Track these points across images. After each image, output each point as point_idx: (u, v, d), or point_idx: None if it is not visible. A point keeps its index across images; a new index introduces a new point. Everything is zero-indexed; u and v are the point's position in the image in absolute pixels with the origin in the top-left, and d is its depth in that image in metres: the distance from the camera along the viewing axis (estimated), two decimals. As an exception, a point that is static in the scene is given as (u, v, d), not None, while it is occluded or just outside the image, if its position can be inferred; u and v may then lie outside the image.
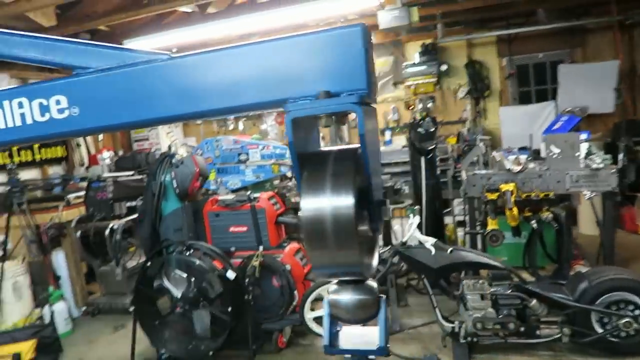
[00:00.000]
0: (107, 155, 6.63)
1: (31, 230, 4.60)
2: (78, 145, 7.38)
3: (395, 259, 3.86)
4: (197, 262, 3.42)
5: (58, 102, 0.84)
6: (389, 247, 3.91)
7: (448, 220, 5.20)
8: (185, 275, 3.52)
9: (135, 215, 4.53)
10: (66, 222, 5.01)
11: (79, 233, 4.98)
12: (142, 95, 0.81)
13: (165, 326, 3.63)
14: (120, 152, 7.33)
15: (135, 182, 5.26)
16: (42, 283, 4.71)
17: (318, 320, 3.75)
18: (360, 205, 0.85)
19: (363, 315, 0.96)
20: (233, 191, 4.55)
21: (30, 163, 6.53)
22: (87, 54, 0.86)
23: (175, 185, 3.95)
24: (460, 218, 4.97)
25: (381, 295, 0.99)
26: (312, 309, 3.71)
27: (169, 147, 7.96)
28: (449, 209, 5.21)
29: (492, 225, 4.05)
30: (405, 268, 4.33)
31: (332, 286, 0.97)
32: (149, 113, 0.83)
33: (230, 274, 3.42)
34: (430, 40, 7.30)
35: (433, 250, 3.39)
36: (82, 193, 5.24)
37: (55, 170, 6.99)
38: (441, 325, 3.45)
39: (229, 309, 3.37)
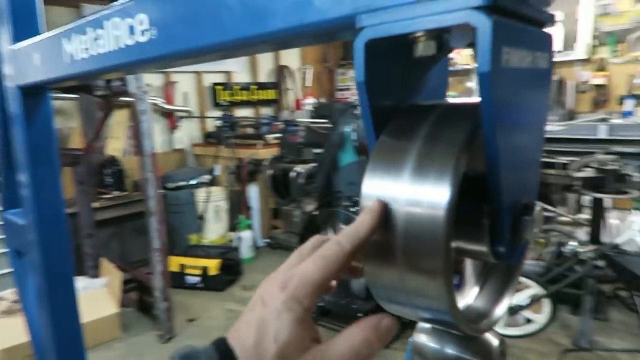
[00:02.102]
0: (309, 102, 6.99)
1: (233, 162, 5.14)
2: (288, 89, 7.93)
3: (601, 263, 3.07)
4: (360, 220, 3.27)
5: (141, 23, 0.70)
6: (596, 246, 3.13)
7: (695, 225, 3.89)
8: (348, 230, 3.44)
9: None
10: (263, 159, 5.47)
11: (270, 171, 5.38)
12: (208, 11, 0.61)
13: (325, 276, 3.66)
14: (323, 100, 7.62)
15: (326, 129, 5.37)
16: (237, 211, 5.29)
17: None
18: (473, 205, 0.48)
19: None
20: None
21: (247, 102, 7.29)
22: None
23: (354, 137, 3.84)
24: None
25: None
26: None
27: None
28: (699, 211, 3.88)
29: None
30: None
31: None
32: (216, 34, 0.62)
33: (392, 240, 3.19)
34: None
35: (658, 265, 2.53)
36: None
37: (266, 111, 7.69)
38: (651, 362, 2.62)
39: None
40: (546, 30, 0.47)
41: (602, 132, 5.66)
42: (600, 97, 6.69)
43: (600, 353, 3.08)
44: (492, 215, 0.46)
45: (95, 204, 4.36)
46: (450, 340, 0.58)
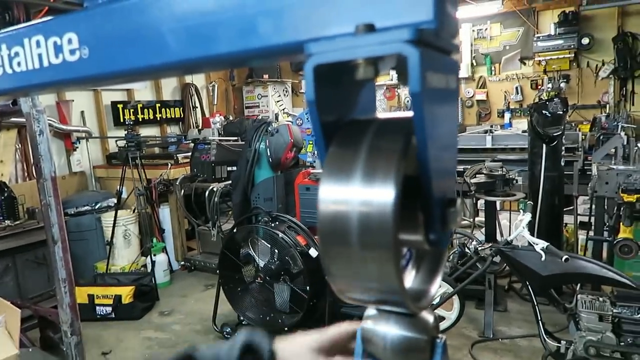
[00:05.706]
0: (218, 120, 6.90)
1: (142, 184, 4.91)
2: (194, 107, 7.77)
3: (497, 259, 3.42)
4: (280, 235, 3.33)
5: (70, 41, 0.69)
6: (490, 244, 3.47)
7: (568, 219, 4.49)
8: (269, 246, 3.47)
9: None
10: (173, 179, 5.29)
11: (182, 191, 5.23)
12: (148, 33, 0.63)
13: (247, 294, 3.64)
14: (231, 118, 7.57)
15: (237, 147, 5.35)
16: (149, 234, 5.06)
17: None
18: (410, 203, 0.56)
19: None
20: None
21: (152, 121, 7.00)
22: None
23: (268, 153, 3.90)
24: (584, 219, 4.26)
25: (438, 336, 0.69)
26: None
27: (276, 116, 8.08)
28: (570, 207, 4.49)
29: (624, 233, 3.36)
30: (508, 269, 3.83)
31: (370, 309, 0.69)
32: (156, 57, 0.64)
33: (313, 252, 3.27)
34: (571, 8, 6.28)
35: (543, 256, 2.88)
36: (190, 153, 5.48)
37: (172, 130, 7.45)
38: (544, 342, 2.96)
39: (308, 287, 3.24)
40: (453, 57, 0.58)
41: (488, 142, 6.32)
42: (483, 111, 7.51)
43: (504, 341, 3.42)
44: (425, 209, 0.55)
45: (-17, 237, 3.91)
46: (394, 322, 0.66)
